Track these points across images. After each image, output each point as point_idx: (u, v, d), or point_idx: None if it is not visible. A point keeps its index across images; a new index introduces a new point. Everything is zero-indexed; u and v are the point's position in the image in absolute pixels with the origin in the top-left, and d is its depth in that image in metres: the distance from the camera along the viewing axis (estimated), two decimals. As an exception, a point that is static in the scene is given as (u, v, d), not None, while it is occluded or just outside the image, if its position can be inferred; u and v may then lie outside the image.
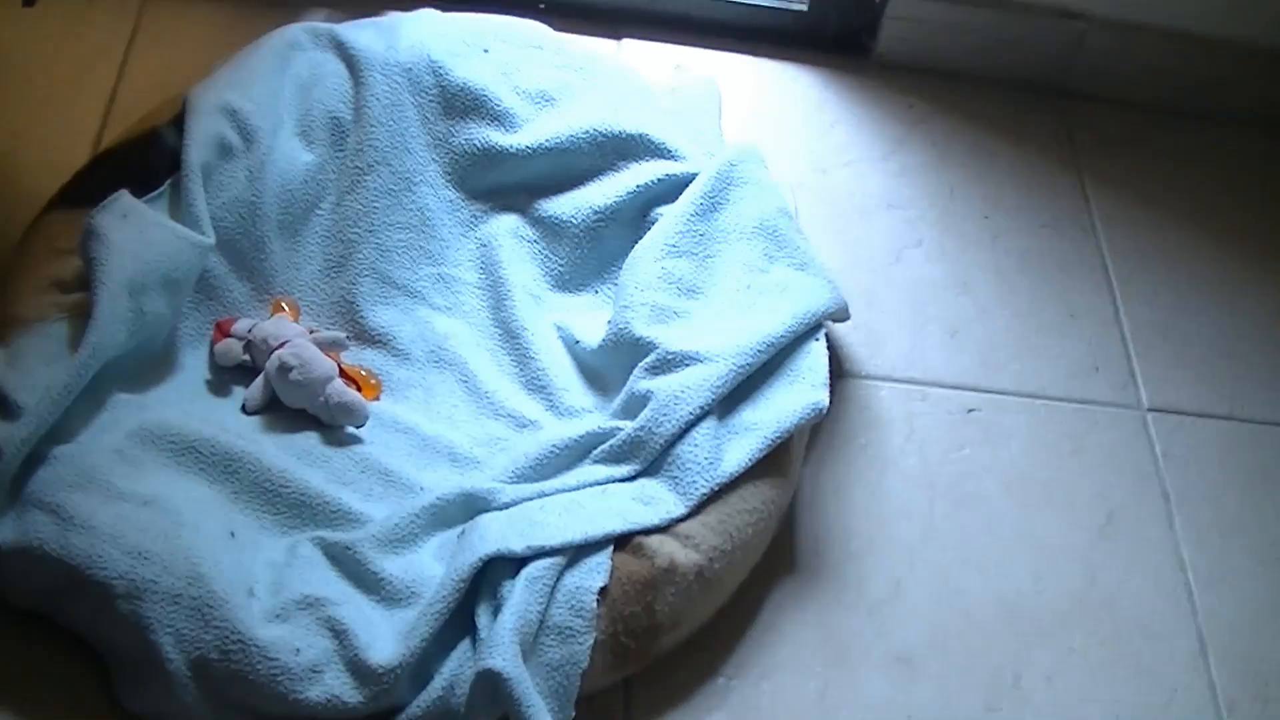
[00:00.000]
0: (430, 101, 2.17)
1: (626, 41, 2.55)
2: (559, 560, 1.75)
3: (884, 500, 2.06)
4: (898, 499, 2.06)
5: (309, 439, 1.93)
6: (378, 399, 1.99)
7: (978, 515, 2.07)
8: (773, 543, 1.96)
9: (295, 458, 1.88)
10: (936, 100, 2.59)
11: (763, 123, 2.49)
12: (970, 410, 2.18)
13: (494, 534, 1.74)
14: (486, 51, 2.22)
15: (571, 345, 2.05)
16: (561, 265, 2.14)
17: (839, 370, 2.17)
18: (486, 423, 1.99)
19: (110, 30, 2.47)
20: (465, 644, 1.72)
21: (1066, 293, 2.34)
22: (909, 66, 2.64)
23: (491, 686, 1.64)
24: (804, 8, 2.60)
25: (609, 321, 2.02)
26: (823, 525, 2.02)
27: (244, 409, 1.95)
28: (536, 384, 2.02)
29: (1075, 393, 2.22)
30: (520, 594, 1.70)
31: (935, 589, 1.98)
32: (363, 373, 1.99)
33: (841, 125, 2.52)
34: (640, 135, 2.16)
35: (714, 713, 1.82)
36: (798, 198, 2.33)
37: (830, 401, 1.99)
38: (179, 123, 2.06)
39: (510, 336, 2.06)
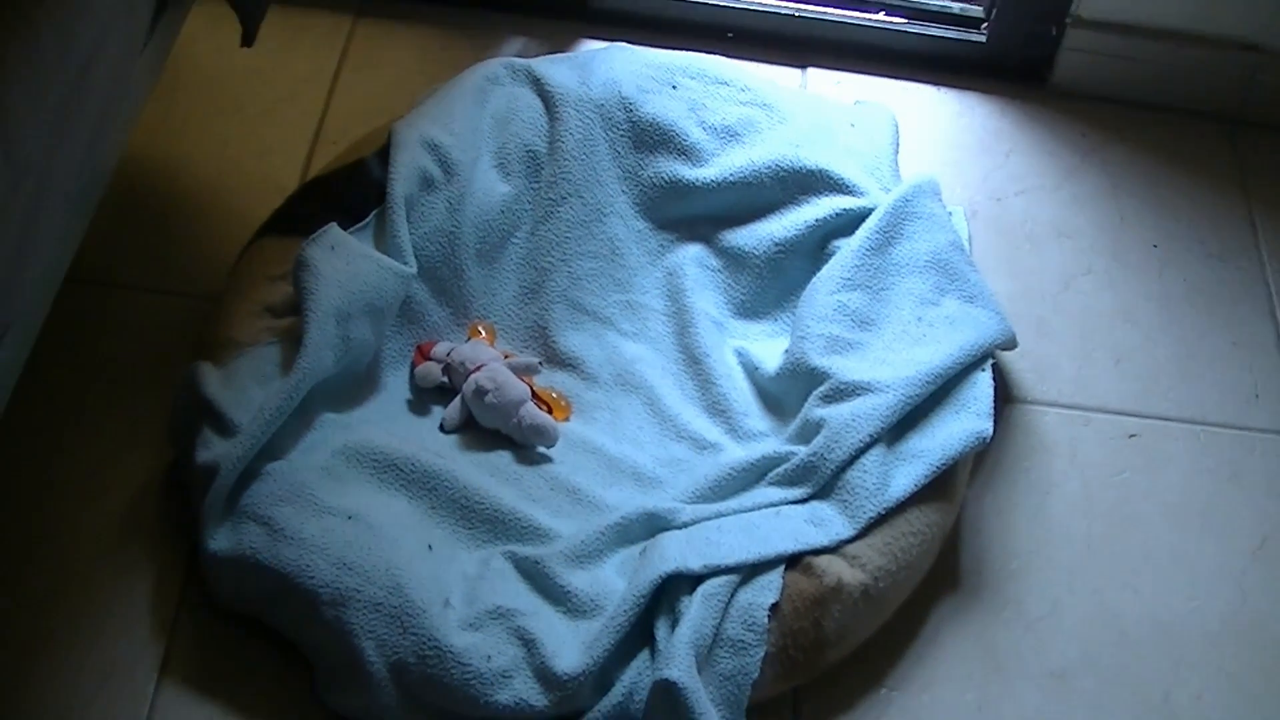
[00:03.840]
0: (621, 136, 2.27)
1: (811, 71, 2.62)
2: (734, 578, 1.83)
3: (1045, 523, 2.11)
4: (1058, 522, 2.11)
5: (502, 458, 2.03)
6: (567, 420, 2.08)
7: (1135, 538, 2.11)
8: (936, 560, 2.02)
9: (489, 475, 1.98)
10: (1110, 129, 2.62)
11: (940, 150, 2.55)
12: (1131, 435, 2.22)
13: (673, 552, 1.83)
14: (675, 87, 2.32)
15: (751, 371, 2.13)
16: (743, 294, 2.23)
17: (1006, 396, 2.22)
18: (669, 444, 2.07)
19: (319, 56, 2.60)
20: (644, 654, 1.81)
21: (1230, 322, 2.37)
22: (1084, 96, 2.67)
23: (668, 695, 1.73)
24: (983, 39, 2.66)
25: (786, 350, 2.10)
26: (985, 545, 2.08)
27: (442, 428, 2.05)
28: (717, 408, 2.10)
29: (1235, 419, 2.25)
30: (697, 609, 1.79)
31: (1091, 609, 2.03)
32: (554, 395, 2.08)
33: (1017, 154, 2.56)
34: (820, 170, 2.24)
35: (861, 728, 1.93)
36: (971, 225, 2.39)
37: (996, 427, 2.05)
38: (384, 154, 2.17)
39: (693, 361, 2.14)
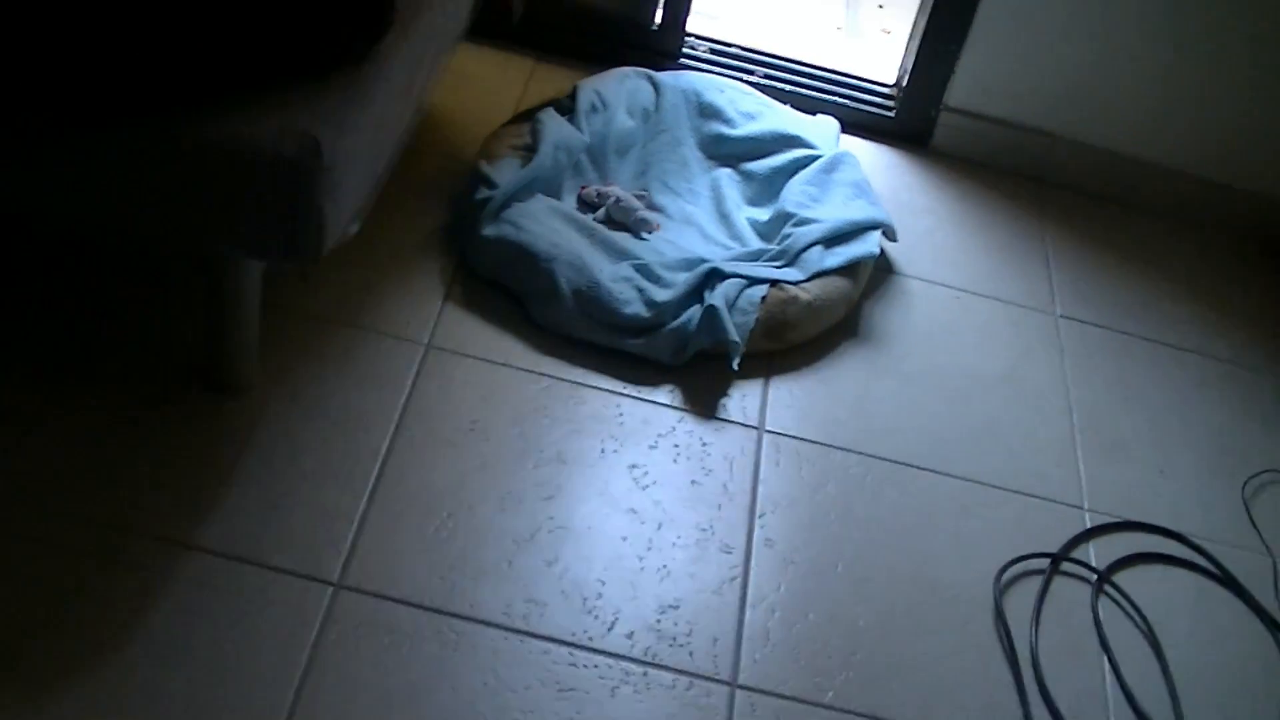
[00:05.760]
0: (692, 108, 3.60)
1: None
2: (744, 282, 3.14)
3: (898, 332, 3.42)
4: (901, 336, 3.40)
5: (626, 235, 3.24)
6: (658, 231, 3.43)
7: (949, 355, 3.46)
8: (847, 322, 3.25)
9: (619, 239, 3.31)
10: (961, 173, 3.89)
11: (868, 170, 3.67)
12: (957, 299, 3.55)
13: (714, 264, 3.22)
14: (723, 91, 3.71)
15: (754, 224, 3.48)
16: (752, 193, 3.50)
17: (888, 269, 3.56)
18: (711, 246, 3.38)
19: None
20: (697, 306, 3.04)
21: (1022, 262, 3.64)
22: (951, 155, 3.91)
23: (710, 314, 2.94)
24: (893, 114, 3.91)
25: (773, 208, 3.50)
26: (871, 328, 3.34)
27: (594, 219, 3.25)
28: (735, 236, 3.41)
29: (1023, 301, 3.52)
30: (725, 286, 3.09)
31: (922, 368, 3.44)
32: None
33: (907, 176, 3.91)
34: (797, 136, 3.59)
35: (804, 379, 3.11)
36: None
37: (882, 281, 3.43)
38: (570, 97, 3.55)
39: (724, 217, 3.40)
